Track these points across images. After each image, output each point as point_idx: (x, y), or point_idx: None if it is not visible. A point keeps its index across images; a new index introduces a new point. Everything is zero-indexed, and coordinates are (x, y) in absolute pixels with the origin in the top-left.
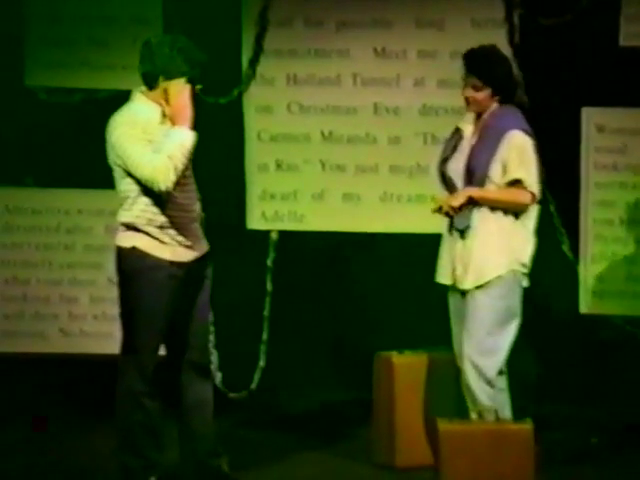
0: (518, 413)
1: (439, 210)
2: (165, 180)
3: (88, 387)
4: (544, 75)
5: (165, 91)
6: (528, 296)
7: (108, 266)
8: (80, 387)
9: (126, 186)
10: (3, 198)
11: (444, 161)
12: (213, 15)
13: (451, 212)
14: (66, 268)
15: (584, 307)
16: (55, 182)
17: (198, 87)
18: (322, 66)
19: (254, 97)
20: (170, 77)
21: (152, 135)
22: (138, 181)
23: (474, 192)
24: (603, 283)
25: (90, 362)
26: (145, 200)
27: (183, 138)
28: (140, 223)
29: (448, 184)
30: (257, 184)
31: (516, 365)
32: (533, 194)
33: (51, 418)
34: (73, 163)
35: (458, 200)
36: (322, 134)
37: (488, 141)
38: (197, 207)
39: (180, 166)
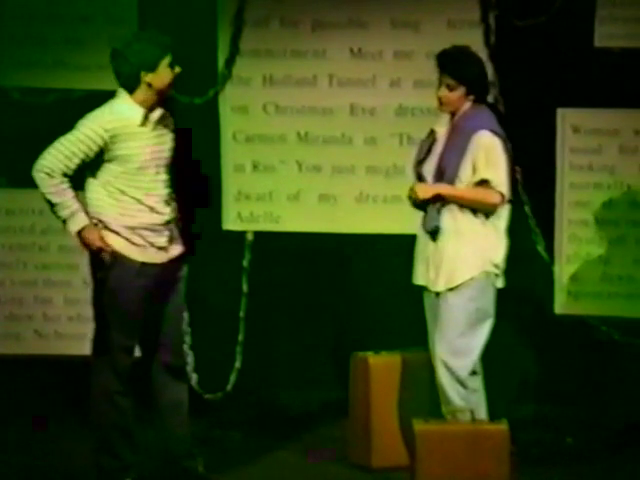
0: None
1: (409, 199)
2: (35, 177)
3: (63, 388)
4: (519, 76)
5: (150, 85)
6: (503, 297)
7: (83, 267)
8: (55, 389)
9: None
10: None
11: (419, 163)
12: (189, 15)
13: (418, 202)
14: (41, 269)
15: (559, 308)
16: (29, 182)
17: (177, 69)
18: (298, 66)
19: (230, 97)
20: (150, 68)
21: (116, 144)
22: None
23: (443, 189)
24: (578, 284)
25: (65, 363)
26: (113, 201)
27: (68, 221)
28: (110, 222)
29: (420, 183)
30: (233, 185)
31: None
32: (502, 194)
33: (26, 419)
34: None
35: (425, 192)
36: (298, 135)
37: (457, 142)
38: (169, 209)
39: (41, 191)
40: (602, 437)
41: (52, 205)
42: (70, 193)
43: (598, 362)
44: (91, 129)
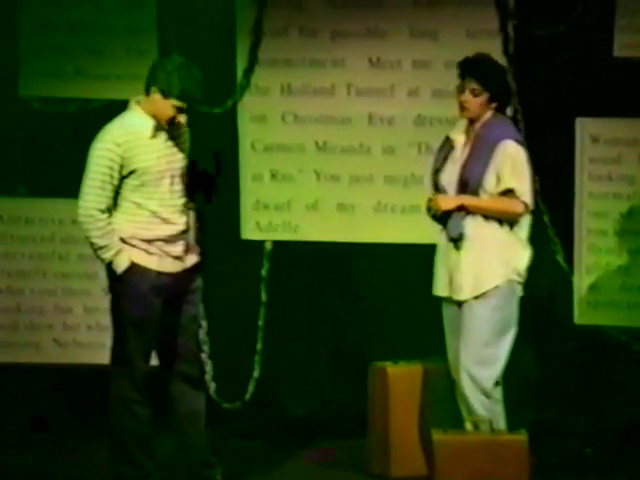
0: (515, 422)
1: (428, 210)
2: (82, 222)
3: (82, 397)
4: (538, 85)
5: (153, 101)
6: (523, 306)
7: (102, 276)
8: (74, 397)
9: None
10: None
11: (436, 172)
12: (208, 25)
13: (438, 214)
14: (60, 278)
15: (578, 317)
16: (49, 192)
17: (182, 118)
18: (317, 76)
19: (248, 107)
20: (162, 90)
21: (131, 157)
22: (118, 196)
23: (467, 200)
24: (597, 293)
25: (83, 372)
26: (128, 216)
27: (114, 261)
28: (125, 236)
29: (441, 194)
30: (251, 194)
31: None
32: (526, 204)
33: (46, 427)
34: (67, 173)
35: (448, 204)
36: (316, 144)
37: (481, 151)
38: (184, 220)
39: (86, 234)
40: (627, 448)
41: (98, 248)
42: (115, 235)
43: (621, 372)
44: (105, 149)
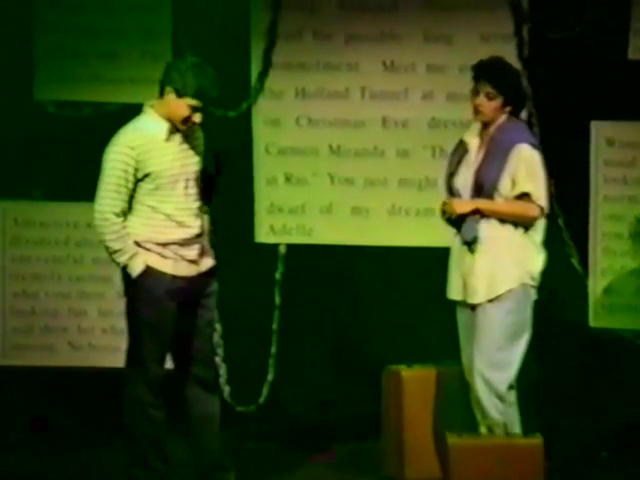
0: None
1: (443, 214)
2: (97, 226)
3: (96, 400)
4: (553, 89)
5: (168, 102)
6: (537, 309)
7: (116, 279)
8: (89, 400)
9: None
10: (12, 211)
11: (451, 175)
12: (222, 28)
13: (453, 217)
14: (75, 281)
15: (593, 321)
16: (64, 195)
17: (196, 118)
18: (331, 79)
19: (263, 110)
20: (177, 90)
21: (145, 161)
22: (132, 199)
23: (482, 204)
24: (612, 297)
25: (98, 375)
26: (143, 220)
27: (129, 265)
28: (140, 240)
29: (456, 198)
30: (265, 197)
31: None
32: (541, 207)
33: (59, 431)
34: (82, 176)
35: (463, 208)
36: (330, 147)
37: (496, 155)
38: (198, 223)
39: (102, 237)
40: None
41: (113, 252)
42: (130, 238)
43: (636, 375)
44: (119, 153)
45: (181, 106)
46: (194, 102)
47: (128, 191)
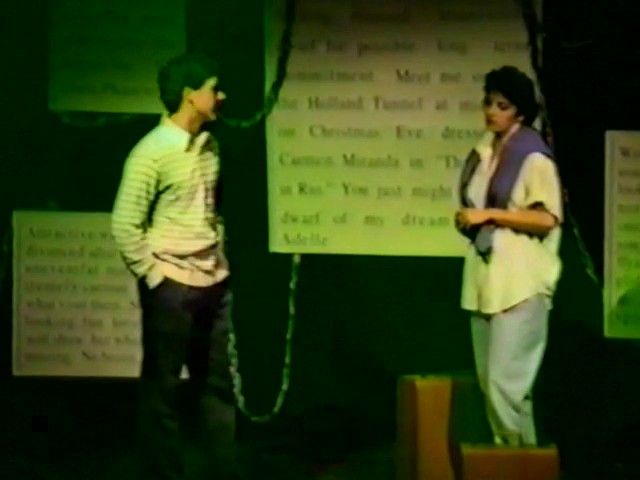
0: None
1: (457, 224)
2: (116, 237)
3: (111, 410)
4: (568, 98)
5: (192, 104)
6: (552, 320)
7: (131, 289)
8: (103, 411)
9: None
10: (27, 222)
11: (464, 185)
12: (236, 39)
13: (467, 227)
14: (89, 291)
15: (608, 331)
16: (78, 206)
17: (221, 95)
18: (344, 89)
19: (277, 120)
20: (194, 85)
21: (168, 172)
22: (151, 211)
23: (496, 214)
24: (627, 307)
25: (113, 386)
26: (161, 232)
27: (148, 275)
28: (158, 252)
29: (470, 208)
30: (280, 207)
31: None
32: (555, 217)
33: (75, 441)
34: (96, 187)
35: (477, 217)
36: (344, 157)
37: (509, 165)
38: (214, 234)
39: (120, 249)
40: None
41: (131, 262)
42: (149, 249)
43: None
44: (142, 165)
45: (205, 95)
46: (213, 80)
47: (148, 203)
